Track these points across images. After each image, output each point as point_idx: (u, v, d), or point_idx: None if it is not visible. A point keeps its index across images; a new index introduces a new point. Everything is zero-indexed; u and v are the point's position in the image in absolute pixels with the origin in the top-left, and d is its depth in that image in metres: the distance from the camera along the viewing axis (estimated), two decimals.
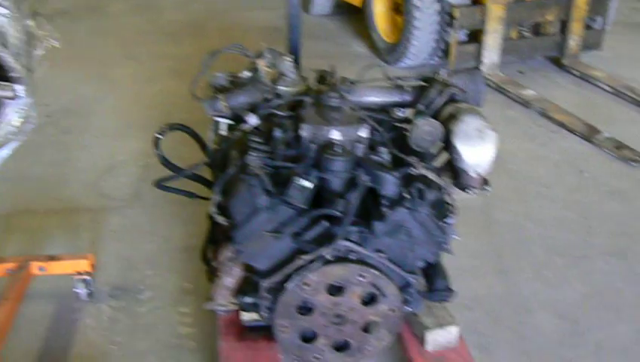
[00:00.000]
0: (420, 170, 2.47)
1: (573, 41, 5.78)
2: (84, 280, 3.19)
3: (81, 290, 3.19)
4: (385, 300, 2.45)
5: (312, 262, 2.35)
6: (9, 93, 2.19)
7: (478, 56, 5.57)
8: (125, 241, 3.63)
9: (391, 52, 5.95)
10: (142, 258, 3.48)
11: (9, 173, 4.35)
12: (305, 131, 2.52)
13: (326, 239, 2.34)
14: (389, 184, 2.42)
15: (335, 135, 2.51)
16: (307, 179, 2.33)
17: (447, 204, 2.63)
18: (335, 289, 2.43)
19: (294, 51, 3.80)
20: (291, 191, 2.31)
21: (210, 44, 5.98)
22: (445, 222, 2.58)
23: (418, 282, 2.51)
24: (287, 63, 2.91)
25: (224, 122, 2.72)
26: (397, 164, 2.55)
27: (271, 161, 2.44)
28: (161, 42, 6.86)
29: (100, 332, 3.02)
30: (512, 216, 3.80)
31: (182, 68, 5.97)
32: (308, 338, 2.53)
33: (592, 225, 3.74)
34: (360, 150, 2.52)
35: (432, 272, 2.60)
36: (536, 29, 5.86)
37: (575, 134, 4.74)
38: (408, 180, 2.46)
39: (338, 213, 2.33)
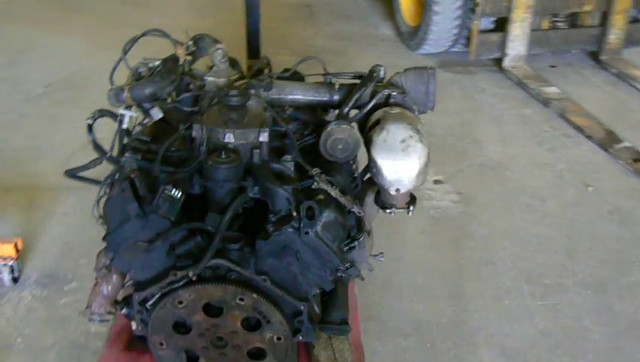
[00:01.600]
0: (320, 184, 2.17)
1: (614, 36, 5.24)
2: (9, 266, 3.06)
3: (6, 276, 3.06)
4: (269, 327, 2.19)
5: (180, 279, 2.11)
6: None
7: (502, 47, 5.13)
8: (71, 225, 3.49)
9: (412, 36, 5.58)
10: (81, 245, 3.32)
11: None
12: (195, 132, 2.26)
13: (199, 255, 2.09)
14: (279, 198, 2.13)
15: (229, 138, 2.23)
16: (178, 189, 2.08)
17: (359, 224, 2.34)
18: (214, 310, 2.18)
19: (253, 38, 3.46)
20: (159, 201, 2.07)
21: (236, 18, 5.76)
22: (349, 246, 2.29)
23: (312, 310, 2.22)
24: (218, 52, 2.63)
25: (127, 114, 2.48)
26: (303, 174, 2.26)
27: (147, 164, 2.19)
28: (188, 15, 6.68)
29: (12, 322, 2.89)
30: (489, 231, 3.44)
31: None
32: (192, 358, 2.30)
33: (578, 248, 3.34)
34: (257, 157, 2.23)
35: (330, 301, 2.31)
36: (573, 21, 5.33)
37: (591, 141, 4.28)
38: (307, 195, 2.17)
39: (209, 228, 2.07)
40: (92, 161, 2.45)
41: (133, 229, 2.14)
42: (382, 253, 2.63)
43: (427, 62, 5.49)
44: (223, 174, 2.12)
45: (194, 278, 2.09)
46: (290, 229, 2.09)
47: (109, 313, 2.33)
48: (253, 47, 3.45)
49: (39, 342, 2.78)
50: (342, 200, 2.16)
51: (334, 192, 2.16)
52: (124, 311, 2.33)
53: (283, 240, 2.10)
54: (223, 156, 2.14)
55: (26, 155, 4.16)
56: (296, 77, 2.71)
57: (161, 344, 2.26)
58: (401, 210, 2.35)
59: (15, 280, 3.09)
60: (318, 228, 2.11)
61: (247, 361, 2.26)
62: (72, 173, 2.49)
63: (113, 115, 2.70)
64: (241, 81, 2.52)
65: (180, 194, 2.08)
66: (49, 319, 2.89)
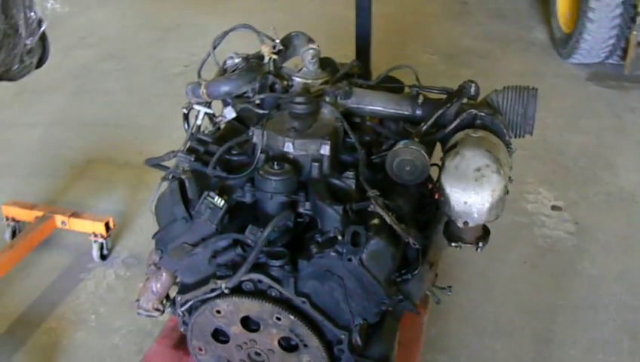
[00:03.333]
0: (376, 207, 1.99)
1: None
2: (99, 243, 3.15)
3: (95, 252, 3.16)
4: (307, 351, 2.06)
5: (214, 290, 2.03)
6: None
7: None
8: None
9: (565, 44, 5.14)
10: None
11: (118, 119, 4.51)
12: (256, 137, 2.16)
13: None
14: (328, 218, 1.99)
15: (288, 148, 2.12)
16: (223, 197, 2.00)
17: (418, 255, 2.14)
18: (253, 324, 2.10)
19: (362, 40, 3.29)
20: (202, 207, 2.00)
21: (388, 11, 5.55)
22: (402, 278, 2.10)
23: (353, 340, 2.06)
24: (309, 52, 2.51)
25: (202, 110, 2.43)
26: (364, 194, 2.09)
27: (201, 166, 2.13)
28: (338, 4, 6.61)
29: (91, 299, 2.98)
30: (600, 272, 3.09)
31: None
32: None
33: None
34: (315, 170, 2.10)
35: (374, 333, 2.13)
36: None
37: None
38: (360, 218, 2.01)
39: (249, 241, 1.97)
40: (168, 153, 2.42)
41: (180, 231, 2.10)
42: (450, 286, 2.42)
43: (577, 72, 5.05)
44: (272, 186, 2.01)
45: (226, 291, 2.00)
46: (334, 253, 1.95)
47: (156, 309, 2.31)
48: (362, 50, 3.27)
49: (110, 322, 2.85)
50: (397, 228, 1.98)
51: (389, 219, 1.98)
52: (169, 309, 2.30)
53: (325, 263, 1.96)
54: (276, 167, 2.03)
55: (148, 134, 4.28)
56: (387, 85, 2.55)
57: (200, 349, 2.21)
58: (469, 246, 2.12)
59: (104, 257, 3.18)
60: (364, 255, 1.95)
61: None
62: (152, 163, 2.48)
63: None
64: (318, 87, 2.39)
65: (223, 203, 1.99)
66: (124, 300, 2.94)
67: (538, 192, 3.64)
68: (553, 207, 3.52)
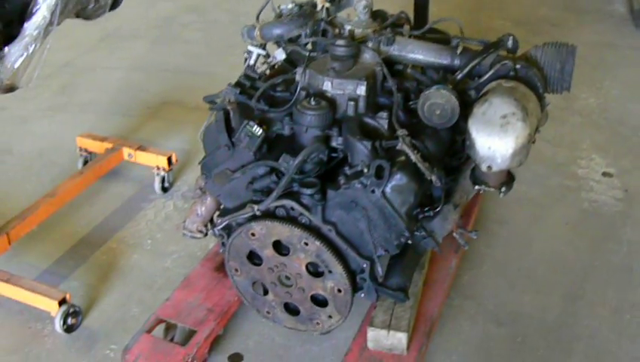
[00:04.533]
0: (403, 145, 2.11)
1: None
2: (161, 175, 3.38)
3: (157, 184, 3.40)
4: (331, 277, 2.22)
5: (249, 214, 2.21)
6: None
7: None
8: None
9: None
10: None
11: (193, 67, 4.75)
12: (299, 76, 2.31)
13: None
14: (358, 152, 2.14)
15: (327, 86, 2.26)
16: (262, 126, 2.17)
17: (446, 195, 2.25)
18: (284, 248, 2.26)
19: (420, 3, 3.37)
20: (241, 135, 2.17)
21: None
22: (425, 214, 2.22)
23: (374, 270, 2.20)
24: (361, 3, 2.63)
25: (255, 51, 2.59)
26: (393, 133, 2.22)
27: (245, 98, 2.29)
28: None
29: (149, 226, 3.22)
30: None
31: None
32: (263, 290, 2.42)
33: None
34: (351, 109, 2.23)
35: (394, 265, 2.27)
36: None
37: None
38: (388, 155, 2.14)
39: (282, 168, 2.13)
40: (222, 91, 2.59)
41: (223, 158, 2.28)
42: (476, 230, 2.52)
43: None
44: (308, 120, 2.17)
45: (258, 213, 2.17)
46: (359, 185, 2.09)
47: (200, 231, 2.51)
48: (420, 8, 3.35)
49: (164, 247, 3.07)
50: (421, 166, 2.09)
51: (415, 157, 2.10)
52: (212, 232, 2.49)
53: (351, 194, 2.11)
54: (312, 103, 2.17)
55: (220, 82, 4.40)
56: (432, 36, 2.64)
57: (236, 270, 2.39)
58: (492, 190, 2.21)
59: (165, 189, 3.41)
60: (388, 189, 2.08)
61: (310, 305, 2.32)
62: (209, 99, 2.66)
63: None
64: (364, 33, 2.51)
65: (261, 131, 2.16)
66: (178, 230, 3.15)
67: (591, 158, 3.64)
68: (604, 174, 3.52)
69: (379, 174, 2.06)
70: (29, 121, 4.12)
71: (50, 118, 4.15)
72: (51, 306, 2.55)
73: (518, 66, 2.30)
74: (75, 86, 4.55)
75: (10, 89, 2.50)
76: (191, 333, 2.43)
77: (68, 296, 2.57)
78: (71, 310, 2.58)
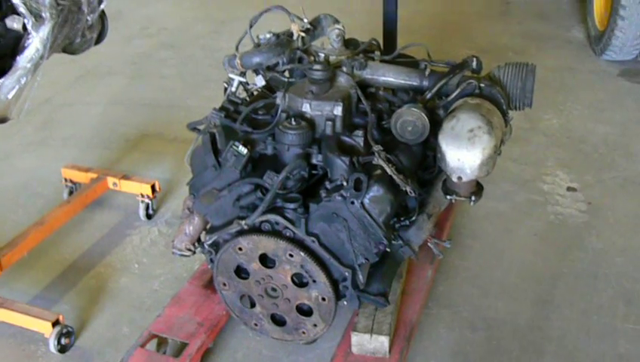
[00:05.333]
0: (379, 160, 2.27)
1: None
2: (145, 203, 3.50)
3: (141, 211, 3.51)
4: (315, 286, 2.35)
5: (236, 229, 2.34)
6: (17, 25, 2.46)
7: None
8: None
9: (598, 41, 5.29)
10: None
11: (170, 101, 4.89)
12: (279, 99, 2.47)
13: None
14: (337, 168, 2.29)
15: (306, 108, 2.42)
16: (246, 146, 2.31)
17: (419, 206, 2.41)
18: (270, 261, 2.39)
19: (389, 27, 3.56)
20: (227, 155, 2.31)
21: (432, 9, 5.75)
22: (401, 224, 2.38)
23: (356, 278, 2.34)
24: (334, 32, 2.80)
25: (236, 79, 2.75)
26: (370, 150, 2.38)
27: (230, 122, 2.44)
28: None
29: (135, 251, 3.32)
30: (605, 246, 3.26)
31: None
32: (250, 303, 2.54)
33: None
34: (329, 128, 2.39)
35: (375, 273, 2.41)
36: None
37: None
38: (365, 169, 2.29)
39: (266, 185, 2.27)
40: (205, 118, 2.73)
41: (210, 177, 2.42)
42: (450, 239, 2.67)
43: (610, 68, 5.21)
44: (289, 139, 2.31)
45: (245, 227, 2.30)
46: (339, 197, 2.23)
47: (188, 249, 2.63)
48: (388, 34, 3.54)
49: (151, 270, 3.18)
50: (396, 178, 2.25)
51: (390, 170, 2.25)
52: (198, 249, 2.62)
53: (332, 206, 2.25)
54: (293, 123, 2.33)
55: (196, 114, 4.59)
56: (400, 60, 2.82)
57: (225, 284, 2.51)
58: (462, 199, 2.37)
59: (149, 216, 3.53)
60: (366, 200, 2.23)
61: (295, 315, 2.44)
62: (192, 126, 2.79)
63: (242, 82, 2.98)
64: (337, 59, 2.68)
65: (246, 151, 2.30)
66: (165, 253, 3.27)
67: (555, 175, 3.84)
68: (568, 188, 3.71)
69: (357, 186, 2.21)
70: (13, 156, 4.22)
71: (33, 152, 4.26)
72: (45, 327, 2.64)
73: (482, 85, 2.48)
74: (55, 121, 4.66)
75: (2, 120, 2.63)
76: (182, 348, 2.54)
77: (61, 318, 2.67)
78: (64, 330, 2.67)
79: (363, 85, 2.62)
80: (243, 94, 2.80)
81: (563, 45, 5.73)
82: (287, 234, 2.32)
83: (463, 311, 2.88)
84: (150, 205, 3.51)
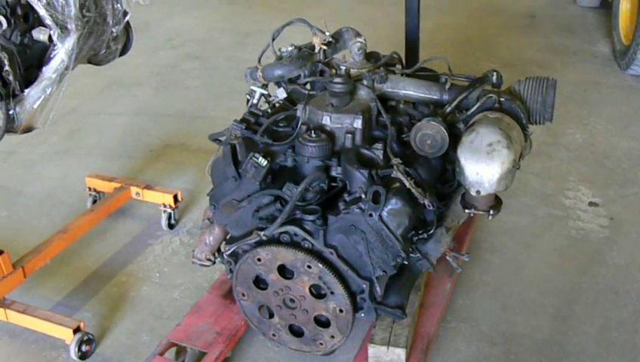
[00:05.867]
0: (397, 173, 2.29)
1: None
2: (168, 212, 3.54)
3: (163, 221, 3.55)
4: (333, 298, 2.36)
5: (255, 240, 2.36)
6: (43, 37, 2.51)
7: None
8: None
9: (623, 55, 5.27)
10: None
11: (194, 112, 4.95)
12: (299, 112, 2.49)
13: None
14: (356, 180, 2.30)
15: (326, 120, 2.44)
16: (266, 158, 2.34)
17: (438, 219, 2.41)
18: (288, 272, 2.41)
19: (411, 39, 3.57)
20: (248, 166, 2.34)
21: (457, 21, 5.74)
22: (419, 237, 2.38)
23: (373, 290, 2.35)
24: (356, 45, 2.82)
25: (258, 91, 2.78)
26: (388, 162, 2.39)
27: (250, 133, 2.47)
28: None
29: (157, 260, 3.36)
30: (627, 262, 3.24)
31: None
32: (269, 314, 2.56)
33: None
34: (349, 141, 2.41)
35: (391, 285, 2.42)
36: None
37: None
38: (384, 182, 2.30)
39: (286, 196, 2.29)
40: (227, 129, 2.77)
41: (230, 188, 2.45)
42: (469, 253, 2.67)
43: (635, 83, 5.18)
44: (309, 151, 2.34)
45: (264, 238, 2.32)
46: (358, 210, 2.25)
47: (208, 259, 2.66)
48: (411, 47, 3.55)
49: (171, 279, 3.21)
50: (414, 191, 2.26)
51: (408, 183, 2.27)
52: (218, 260, 2.64)
53: (350, 218, 2.26)
54: (313, 135, 2.35)
55: (220, 125, 4.64)
56: (422, 73, 2.83)
57: (243, 295, 2.53)
58: (481, 213, 2.37)
59: (171, 226, 3.57)
60: (384, 213, 2.24)
61: (313, 326, 2.46)
62: (214, 137, 2.83)
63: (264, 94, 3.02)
64: (359, 72, 2.70)
65: (266, 162, 2.32)
66: (186, 263, 3.30)
67: (578, 189, 3.82)
68: (590, 203, 3.69)
69: (376, 199, 2.22)
70: (38, 165, 4.29)
71: (58, 161, 4.32)
72: (66, 334, 2.68)
73: (502, 99, 2.48)
74: (80, 131, 4.73)
75: (28, 129, 2.68)
76: (201, 357, 2.56)
77: (82, 325, 2.70)
78: (85, 337, 2.71)
79: (383, 98, 2.63)
80: (264, 106, 2.84)
81: (588, 59, 5.71)
82: (306, 245, 2.34)
83: (481, 325, 2.87)
84: (172, 215, 3.55)
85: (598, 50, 5.91)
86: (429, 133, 2.37)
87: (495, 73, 2.59)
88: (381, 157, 2.40)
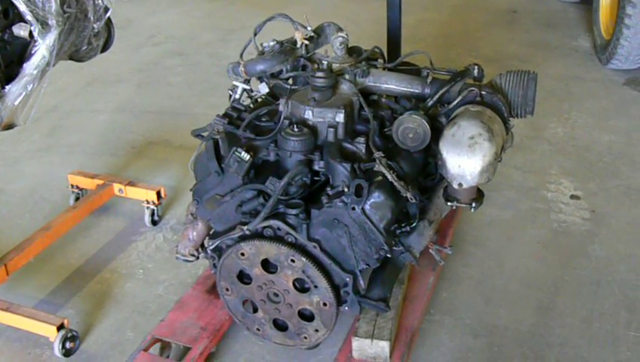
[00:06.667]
0: (380, 167, 2.29)
1: None
2: (151, 209, 3.53)
3: (147, 217, 3.54)
4: (317, 292, 2.37)
5: (239, 235, 2.37)
6: (24, 33, 2.49)
7: None
8: None
9: (604, 50, 5.31)
10: None
11: (177, 108, 4.93)
12: (282, 106, 2.49)
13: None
14: (338, 174, 2.31)
15: (308, 114, 2.44)
16: (249, 153, 2.34)
17: (420, 212, 2.43)
18: (272, 267, 2.42)
19: (393, 34, 3.58)
20: (230, 160, 2.34)
21: (439, 17, 5.76)
22: (402, 230, 2.39)
23: (357, 284, 2.36)
24: (338, 40, 2.82)
25: (240, 86, 2.78)
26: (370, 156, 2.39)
27: (234, 129, 2.47)
28: None
29: (141, 256, 3.35)
30: (608, 253, 3.26)
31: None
32: (253, 308, 2.56)
33: None
34: (331, 135, 2.41)
35: (375, 278, 2.43)
36: None
37: None
38: (367, 176, 2.31)
39: (268, 190, 2.29)
40: (209, 124, 2.76)
41: (213, 183, 2.44)
42: (452, 246, 2.69)
43: (615, 77, 5.22)
44: (292, 145, 2.34)
45: (247, 232, 2.33)
46: (341, 203, 2.26)
47: (192, 255, 2.65)
48: (392, 42, 3.56)
49: (155, 276, 3.20)
50: (396, 184, 2.27)
51: (391, 176, 2.27)
52: (202, 255, 2.64)
53: (333, 212, 2.27)
54: (296, 130, 2.35)
55: (202, 121, 4.63)
56: (403, 68, 2.84)
57: (227, 289, 2.53)
58: (463, 206, 2.39)
59: (154, 222, 3.56)
60: (367, 206, 2.25)
61: (297, 320, 2.46)
62: (197, 133, 2.82)
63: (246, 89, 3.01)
64: (341, 67, 2.70)
65: (248, 157, 2.32)
66: (170, 259, 3.29)
67: (559, 183, 3.85)
68: (572, 196, 3.72)
69: (358, 193, 2.23)
70: (20, 162, 4.26)
71: (40, 159, 4.30)
72: (50, 331, 2.67)
73: (483, 93, 2.50)
74: (62, 128, 4.71)
75: (9, 126, 2.66)
76: (185, 352, 2.56)
77: (66, 322, 2.69)
78: (69, 334, 2.70)
79: (365, 92, 2.64)
80: (247, 101, 2.84)
81: (570, 54, 5.75)
82: (289, 239, 2.35)
83: (465, 318, 2.89)
84: (156, 211, 3.54)
85: (579, 44, 5.95)
86: (411, 127, 2.38)
87: (476, 67, 2.60)
88: (363, 150, 2.41)
